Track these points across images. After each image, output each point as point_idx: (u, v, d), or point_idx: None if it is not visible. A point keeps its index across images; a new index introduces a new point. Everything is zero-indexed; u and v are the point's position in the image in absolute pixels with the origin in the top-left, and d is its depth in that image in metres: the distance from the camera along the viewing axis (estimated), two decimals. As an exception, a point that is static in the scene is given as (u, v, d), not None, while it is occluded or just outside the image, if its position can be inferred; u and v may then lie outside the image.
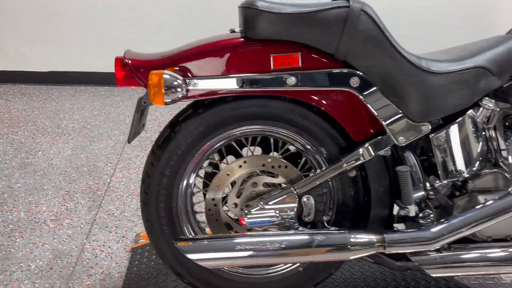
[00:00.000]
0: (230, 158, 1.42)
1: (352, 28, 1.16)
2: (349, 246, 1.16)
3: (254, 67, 1.22)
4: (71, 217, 2.05)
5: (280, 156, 1.37)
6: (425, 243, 1.16)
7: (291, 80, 1.20)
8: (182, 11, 3.67)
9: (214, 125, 1.29)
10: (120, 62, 1.23)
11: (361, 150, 1.25)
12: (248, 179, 1.33)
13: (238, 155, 1.47)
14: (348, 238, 1.16)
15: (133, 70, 1.20)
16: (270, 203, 1.26)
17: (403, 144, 1.24)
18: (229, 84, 1.20)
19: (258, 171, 1.34)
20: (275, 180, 1.33)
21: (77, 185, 2.30)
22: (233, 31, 1.30)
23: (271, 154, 1.42)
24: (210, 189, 1.34)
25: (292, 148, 1.44)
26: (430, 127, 1.24)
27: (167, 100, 1.12)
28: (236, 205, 1.35)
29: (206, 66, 1.21)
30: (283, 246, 1.14)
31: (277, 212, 1.26)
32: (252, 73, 1.21)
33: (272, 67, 1.22)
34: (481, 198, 1.25)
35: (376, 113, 1.23)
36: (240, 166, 1.32)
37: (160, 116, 3.24)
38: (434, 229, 1.18)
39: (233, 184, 1.35)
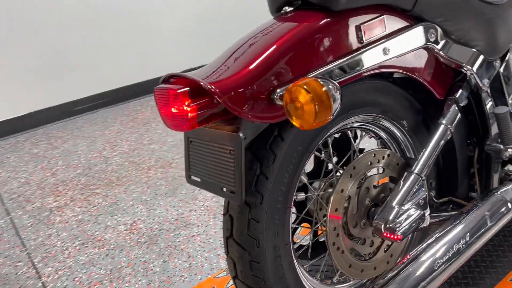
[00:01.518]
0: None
1: None
2: (509, 205, 1.05)
3: (349, 46, 0.94)
4: None
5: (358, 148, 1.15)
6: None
7: (388, 50, 0.98)
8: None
9: (310, 138, 0.97)
10: (184, 95, 0.78)
11: (454, 106, 1.13)
12: (360, 186, 1.06)
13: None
14: (501, 196, 1.06)
15: (222, 97, 0.77)
16: (404, 201, 1.04)
17: (486, 87, 1.18)
18: (339, 73, 0.91)
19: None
20: (384, 175, 1.10)
21: (-2, 314, 1.52)
22: (286, 12, 0.98)
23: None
24: (331, 221, 1.02)
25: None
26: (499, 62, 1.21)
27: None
28: (356, 223, 1.07)
29: (304, 61, 0.87)
30: (469, 239, 0.95)
31: (415, 206, 1.05)
32: (352, 53, 0.93)
33: (364, 40, 0.96)
34: None
35: (460, 62, 1.12)
36: (351, 175, 1.04)
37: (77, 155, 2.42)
38: None
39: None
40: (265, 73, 0.82)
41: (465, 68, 1.14)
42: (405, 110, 1.16)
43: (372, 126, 1.17)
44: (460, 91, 1.16)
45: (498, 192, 1.08)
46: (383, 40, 0.98)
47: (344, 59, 0.91)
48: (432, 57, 1.11)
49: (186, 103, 0.78)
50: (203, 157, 0.92)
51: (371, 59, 0.96)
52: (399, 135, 1.19)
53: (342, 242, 1.04)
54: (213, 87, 0.77)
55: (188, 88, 0.80)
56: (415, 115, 1.18)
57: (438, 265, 0.90)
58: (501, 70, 1.22)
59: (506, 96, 1.25)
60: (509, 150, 1.20)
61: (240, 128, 0.82)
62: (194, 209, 2.02)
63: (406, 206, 1.03)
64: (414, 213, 1.02)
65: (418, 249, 0.95)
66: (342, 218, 1.03)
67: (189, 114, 0.79)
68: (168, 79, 0.87)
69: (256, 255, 0.92)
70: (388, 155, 1.11)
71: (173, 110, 0.80)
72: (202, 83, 0.77)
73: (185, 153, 0.98)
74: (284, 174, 0.93)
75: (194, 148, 0.95)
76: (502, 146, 1.20)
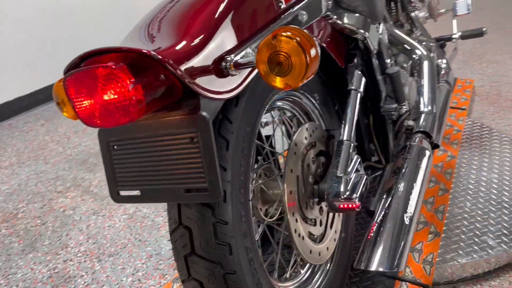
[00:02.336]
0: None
1: None
2: (427, 151, 1.12)
3: (270, 13, 0.86)
4: None
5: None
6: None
7: (304, 16, 0.94)
8: None
9: (254, 116, 0.85)
10: (124, 71, 0.58)
11: (356, 71, 1.16)
12: (303, 165, 0.98)
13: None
14: (418, 145, 1.12)
15: (178, 69, 0.59)
16: (346, 170, 1.00)
17: (376, 49, 1.24)
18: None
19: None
20: (317, 149, 1.05)
21: None
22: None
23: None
24: (289, 206, 0.90)
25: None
26: None
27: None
28: (307, 204, 0.98)
29: (243, 28, 0.75)
30: (417, 187, 0.96)
31: (356, 172, 1.02)
32: (274, 22, 0.86)
33: (284, 4, 0.90)
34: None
35: (354, 28, 1.15)
36: (295, 153, 0.95)
37: None
38: None
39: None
40: (210, 40, 0.68)
41: (357, 34, 1.18)
42: (316, 83, 1.14)
43: (287, 103, 1.11)
44: (356, 57, 1.19)
45: (413, 143, 1.15)
46: (297, 7, 0.93)
47: (268, 28, 0.82)
48: (329, 26, 1.12)
49: (128, 82, 0.58)
50: (140, 161, 0.71)
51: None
52: (312, 108, 1.16)
53: (301, 228, 0.95)
54: (161, 56, 0.59)
55: (123, 64, 0.59)
56: (324, 87, 1.17)
57: (408, 218, 0.89)
58: (380, 35, 1.32)
59: (388, 58, 1.35)
60: (404, 107, 1.29)
61: (199, 108, 0.65)
62: (69, 258, 1.65)
63: (351, 174, 1.00)
64: (358, 178, 1.00)
65: (380, 215, 0.93)
66: (297, 203, 0.94)
67: (134, 97, 0.58)
68: (78, 62, 0.63)
69: (230, 264, 0.75)
70: (316, 128, 1.06)
71: (107, 96, 0.58)
72: (156, 56, 0.58)
73: (106, 165, 0.74)
74: (240, 162, 0.79)
75: (120, 153, 0.73)
76: (396, 105, 1.28)
